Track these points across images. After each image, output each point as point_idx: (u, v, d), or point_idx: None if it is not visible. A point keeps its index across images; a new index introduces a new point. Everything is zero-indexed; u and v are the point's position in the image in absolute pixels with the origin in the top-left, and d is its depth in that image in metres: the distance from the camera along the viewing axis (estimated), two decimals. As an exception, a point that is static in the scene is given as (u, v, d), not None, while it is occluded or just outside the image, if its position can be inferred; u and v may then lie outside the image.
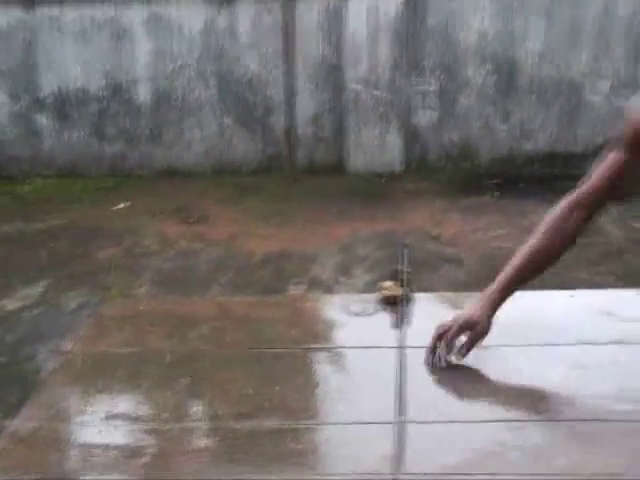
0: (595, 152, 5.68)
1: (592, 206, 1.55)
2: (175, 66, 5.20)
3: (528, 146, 5.14)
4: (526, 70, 5.02)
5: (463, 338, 1.54)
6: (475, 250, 3.98)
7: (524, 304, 2.06)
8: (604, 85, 4.99)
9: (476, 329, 1.53)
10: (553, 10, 4.90)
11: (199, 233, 4.35)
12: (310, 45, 5.11)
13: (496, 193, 4.72)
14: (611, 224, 4.18)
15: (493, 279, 3.93)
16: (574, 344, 1.75)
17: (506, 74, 5.04)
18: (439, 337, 1.54)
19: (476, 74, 5.06)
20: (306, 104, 5.21)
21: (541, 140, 5.13)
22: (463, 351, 1.53)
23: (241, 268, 3.89)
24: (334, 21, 5.03)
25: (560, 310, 1.94)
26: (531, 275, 1.63)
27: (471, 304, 1.59)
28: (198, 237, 4.29)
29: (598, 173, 1.54)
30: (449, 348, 1.53)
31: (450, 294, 2.29)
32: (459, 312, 1.58)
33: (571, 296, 2.03)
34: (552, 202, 5.11)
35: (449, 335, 1.52)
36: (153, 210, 4.68)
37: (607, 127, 5.01)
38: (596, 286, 3.20)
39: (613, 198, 1.55)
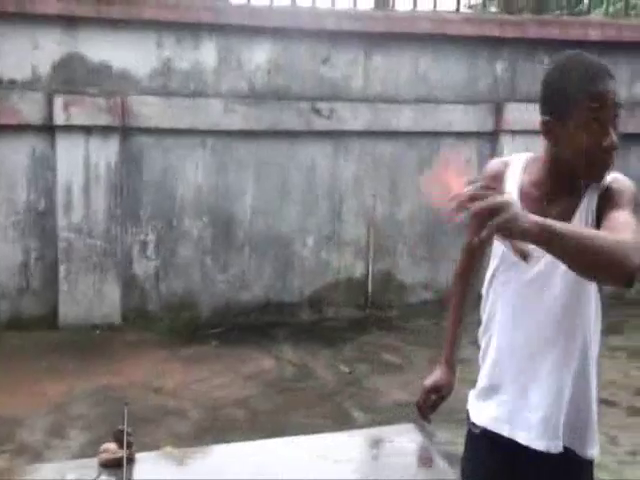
0: (304, 300, 6.14)
1: (479, 254, 1.94)
2: None
3: (245, 296, 5.38)
4: (241, 224, 5.34)
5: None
6: (198, 401, 3.95)
7: (243, 455, 2.09)
8: (310, 240, 5.49)
9: (442, 392, 2.02)
10: (263, 170, 5.35)
11: None
12: (15, 190, 4.89)
13: (215, 342, 4.80)
14: (322, 369, 4.47)
15: (217, 429, 3.90)
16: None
17: (223, 227, 5.30)
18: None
19: (193, 226, 5.25)
20: (11, 253, 4.90)
21: (257, 290, 5.40)
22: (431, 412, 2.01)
23: None
24: (43, 166, 4.91)
25: (278, 458, 2.00)
26: (463, 319, 2.03)
27: (435, 371, 2.04)
28: None
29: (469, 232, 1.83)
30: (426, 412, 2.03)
31: (175, 451, 2.22)
32: (427, 379, 2.02)
33: (289, 443, 2.11)
34: (268, 348, 5.32)
35: (421, 403, 2.02)
36: None
37: (314, 277, 5.48)
38: (311, 429, 3.34)
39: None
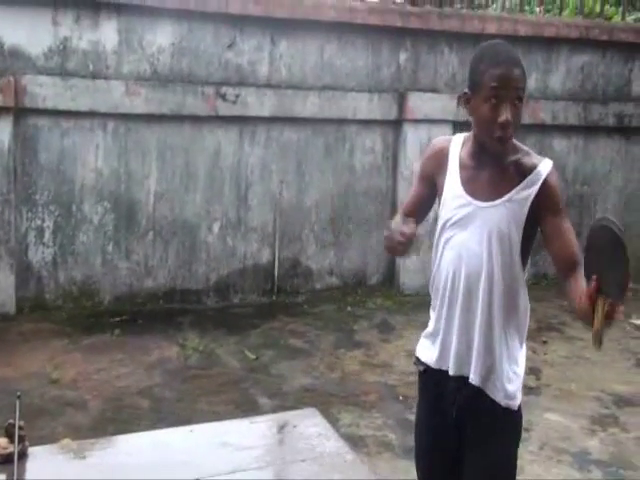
0: (210, 287, 6.09)
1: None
2: None
3: (149, 283, 5.27)
4: (144, 209, 5.21)
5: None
6: (99, 391, 3.84)
7: (143, 445, 2.06)
8: (216, 226, 5.44)
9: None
10: (166, 154, 5.24)
11: None
12: None
13: (117, 331, 4.67)
14: (228, 356, 4.44)
15: (120, 420, 3.82)
16: (193, 480, 1.79)
17: (125, 212, 5.16)
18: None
19: (94, 211, 5.08)
20: None
21: (161, 277, 5.30)
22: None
23: None
24: None
25: (179, 447, 1.98)
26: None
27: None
28: None
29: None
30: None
31: (71, 443, 2.16)
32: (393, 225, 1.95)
33: (190, 431, 2.09)
34: (172, 335, 5.23)
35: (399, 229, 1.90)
36: None
37: (220, 264, 5.43)
38: (216, 417, 3.33)
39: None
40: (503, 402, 1.93)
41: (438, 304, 2.00)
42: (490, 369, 1.92)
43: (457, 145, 1.99)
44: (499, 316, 1.91)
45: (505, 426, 1.95)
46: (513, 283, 1.91)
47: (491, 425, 1.93)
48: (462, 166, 1.95)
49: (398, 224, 1.90)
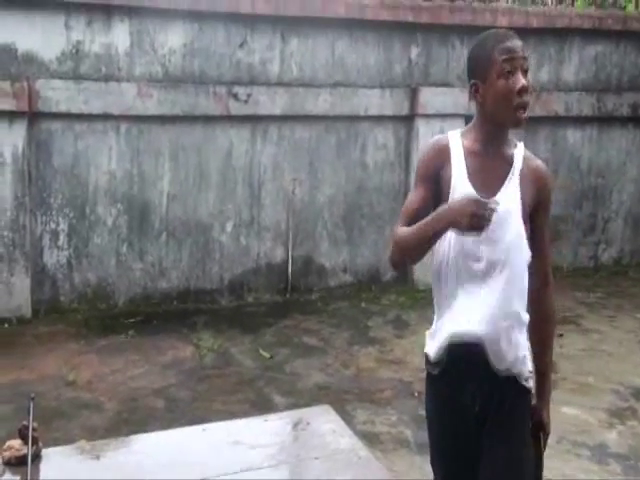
0: (224, 287, 6.08)
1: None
2: None
3: (163, 284, 5.28)
4: (158, 210, 5.23)
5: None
6: (114, 392, 3.86)
7: (156, 445, 2.06)
8: (229, 225, 5.44)
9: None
10: (179, 155, 5.25)
11: None
12: None
13: (132, 332, 4.69)
14: (243, 355, 4.45)
15: (135, 421, 3.82)
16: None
17: (138, 214, 5.18)
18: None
19: (107, 213, 5.11)
20: None
21: (175, 277, 5.32)
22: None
23: None
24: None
25: (192, 446, 1.98)
26: None
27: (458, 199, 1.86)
28: None
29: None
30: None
31: (85, 444, 2.17)
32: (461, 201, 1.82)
33: (203, 430, 2.09)
34: (187, 335, 5.24)
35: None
36: None
37: (233, 263, 5.44)
38: (231, 416, 3.33)
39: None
40: (525, 382, 1.96)
41: (448, 294, 1.95)
42: (518, 353, 1.94)
43: (456, 139, 1.99)
44: (519, 301, 1.94)
45: (524, 408, 1.98)
46: (524, 268, 1.95)
47: (513, 408, 1.94)
48: (467, 155, 1.95)
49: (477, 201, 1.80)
